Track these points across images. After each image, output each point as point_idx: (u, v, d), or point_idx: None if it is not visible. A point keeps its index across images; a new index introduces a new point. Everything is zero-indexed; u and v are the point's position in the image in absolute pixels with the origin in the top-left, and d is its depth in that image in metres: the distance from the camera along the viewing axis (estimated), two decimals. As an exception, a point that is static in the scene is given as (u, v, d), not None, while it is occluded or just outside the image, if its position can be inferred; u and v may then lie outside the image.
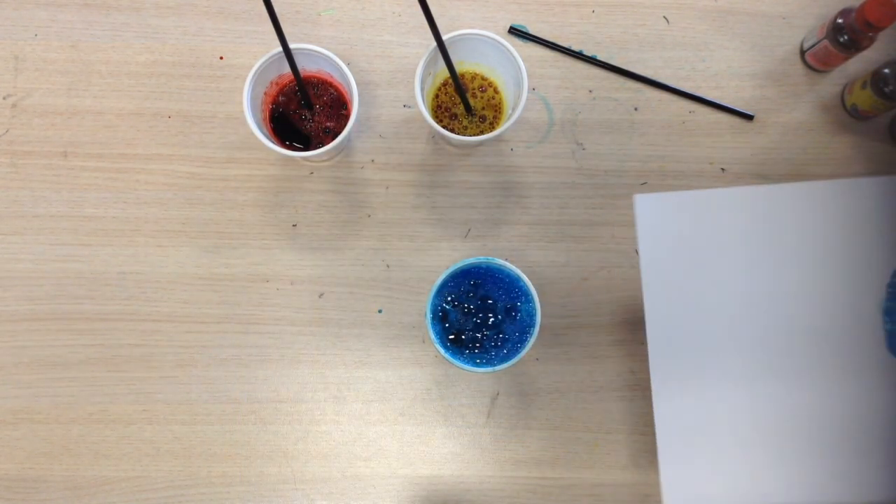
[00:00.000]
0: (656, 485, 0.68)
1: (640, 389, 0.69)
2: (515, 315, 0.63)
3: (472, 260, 0.62)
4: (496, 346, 0.63)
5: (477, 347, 0.63)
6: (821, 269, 0.58)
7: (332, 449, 0.69)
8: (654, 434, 0.68)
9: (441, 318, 0.62)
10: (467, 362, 0.62)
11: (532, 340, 0.61)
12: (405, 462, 0.68)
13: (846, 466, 0.57)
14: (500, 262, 0.62)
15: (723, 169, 0.71)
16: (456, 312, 0.63)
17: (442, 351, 0.61)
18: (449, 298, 0.63)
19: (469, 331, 0.62)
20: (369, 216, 0.70)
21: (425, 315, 0.62)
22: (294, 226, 0.70)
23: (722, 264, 0.58)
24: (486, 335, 0.63)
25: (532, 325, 0.61)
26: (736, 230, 0.58)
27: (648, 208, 0.58)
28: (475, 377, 0.69)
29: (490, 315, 0.63)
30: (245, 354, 0.68)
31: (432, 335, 0.61)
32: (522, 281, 0.62)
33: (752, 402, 0.58)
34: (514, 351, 0.62)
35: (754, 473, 0.57)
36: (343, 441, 0.69)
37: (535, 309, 0.61)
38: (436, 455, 0.69)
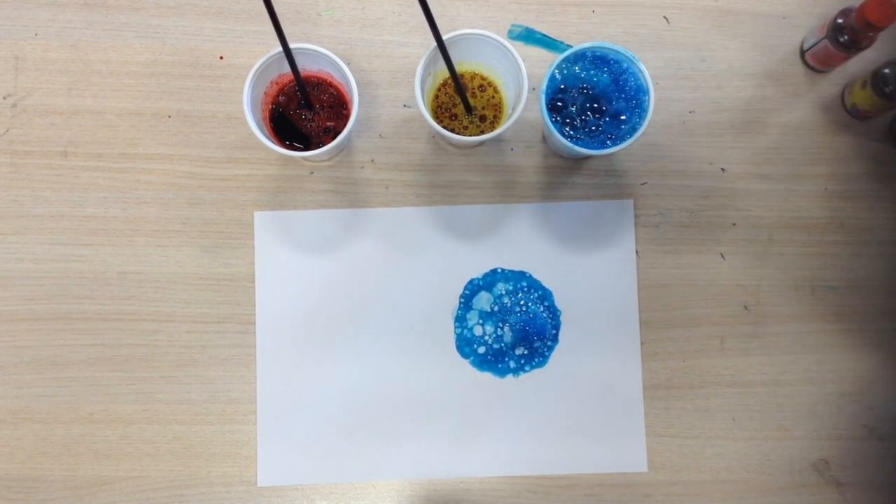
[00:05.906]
0: (657, 485, 0.68)
1: (644, 389, 0.69)
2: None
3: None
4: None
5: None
6: (412, 279, 0.69)
7: (332, 449, 0.68)
8: (656, 435, 0.69)
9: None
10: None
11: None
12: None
13: (427, 444, 0.68)
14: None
15: (723, 169, 0.71)
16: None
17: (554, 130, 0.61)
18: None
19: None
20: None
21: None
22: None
23: (324, 270, 0.68)
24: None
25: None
26: (336, 243, 0.69)
27: (267, 222, 0.69)
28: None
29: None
30: (245, 354, 0.68)
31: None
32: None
33: (346, 389, 0.68)
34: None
35: (340, 452, 0.67)
36: (343, 441, 0.69)
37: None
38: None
